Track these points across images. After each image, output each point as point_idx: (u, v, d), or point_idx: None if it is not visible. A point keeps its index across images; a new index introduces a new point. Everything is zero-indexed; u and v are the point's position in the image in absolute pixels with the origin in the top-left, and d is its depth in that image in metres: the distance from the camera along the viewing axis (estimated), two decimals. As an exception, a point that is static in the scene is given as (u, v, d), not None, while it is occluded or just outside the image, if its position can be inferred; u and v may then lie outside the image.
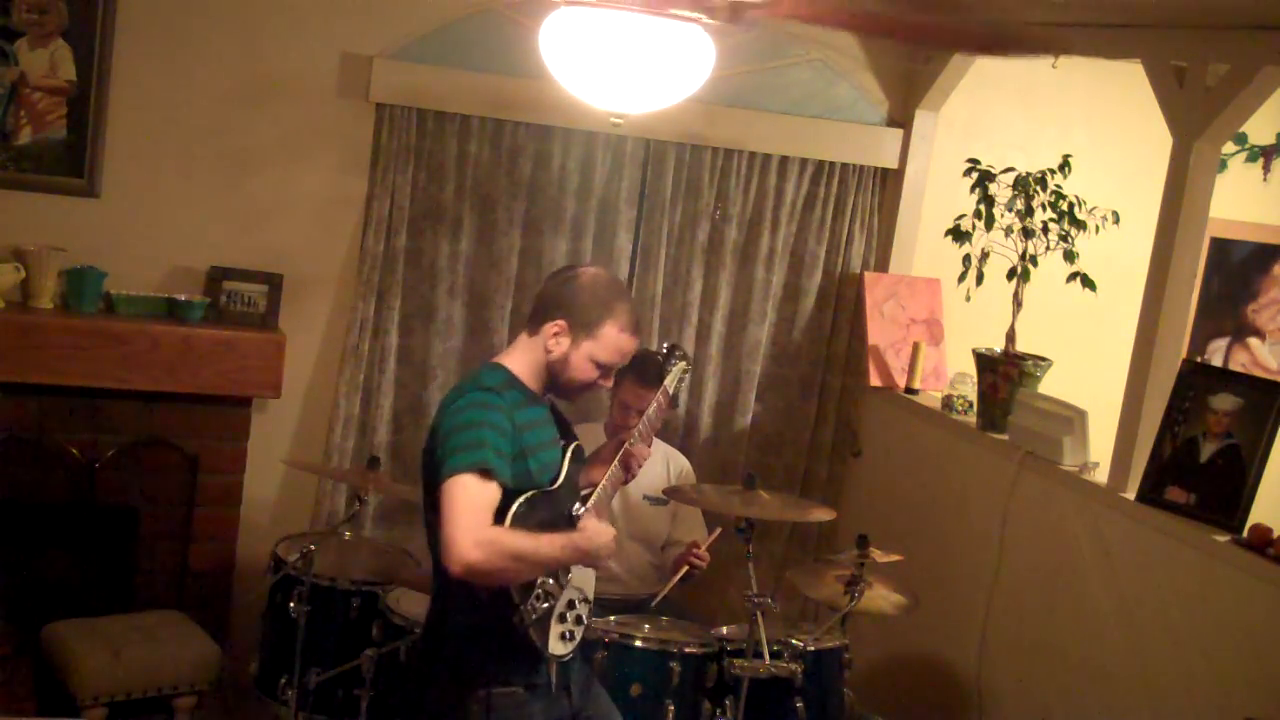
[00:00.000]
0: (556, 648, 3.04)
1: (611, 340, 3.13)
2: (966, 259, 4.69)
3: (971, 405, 4.81)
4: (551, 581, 2.97)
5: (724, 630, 3.95)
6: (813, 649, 3.82)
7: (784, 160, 5.09)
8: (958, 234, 4.71)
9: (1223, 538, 3.70)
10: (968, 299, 4.72)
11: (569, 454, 3.14)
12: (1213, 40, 3.92)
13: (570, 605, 3.06)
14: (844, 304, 5.23)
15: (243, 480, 4.60)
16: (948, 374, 5.10)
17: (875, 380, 5.14)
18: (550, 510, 3.02)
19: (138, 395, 4.41)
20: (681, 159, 5.00)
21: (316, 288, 4.72)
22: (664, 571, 4.69)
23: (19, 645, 4.32)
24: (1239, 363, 5.57)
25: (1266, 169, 5.54)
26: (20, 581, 4.41)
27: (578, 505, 3.12)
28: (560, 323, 3.09)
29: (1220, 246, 5.49)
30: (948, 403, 4.89)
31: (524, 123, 4.79)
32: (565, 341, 3.10)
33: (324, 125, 4.65)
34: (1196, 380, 3.93)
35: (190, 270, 4.58)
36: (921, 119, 5.17)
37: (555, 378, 3.14)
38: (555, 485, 3.07)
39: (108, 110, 4.42)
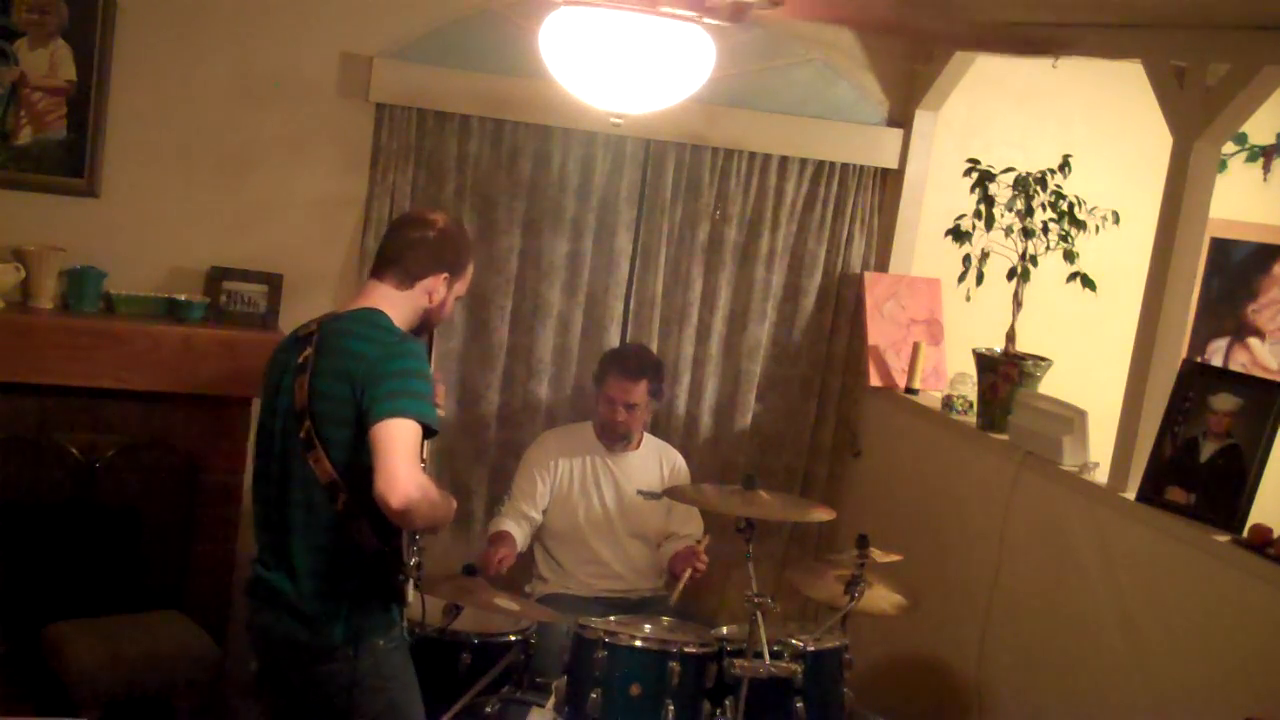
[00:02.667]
0: (410, 597, 3.22)
1: (470, 276, 3.42)
2: (966, 259, 4.69)
3: (971, 405, 4.81)
4: (419, 538, 3.19)
5: (724, 630, 3.95)
6: (813, 649, 3.82)
7: (784, 160, 5.09)
8: (958, 234, 4.71)
9: (1223, 538, 3.70)
10: (968, 299, 4.72)
11: None
12: (1213, 40, 3.92)
13: (419, 552, 3.24)
14: (844, 304, 5.23)
15: (243, 480, 4.59)
16: (948, 374, 5.09)
17: (875, 380, 5.14)
18: None
19: (138, 395, 4.40)
20: (681, 159, 5.00)
21: (316, 288, 4.72)
22: (661, 566, 4.70)
23: (19, 645, 4.32)
24: (1239, 363, 5.57)
25: (1266, 169, 5.54)
26: (20, 581, 4.40)
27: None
28: (445, 276, 3.28)
29: (1220, 246, 5.49)
30: (948, 403, 4.89)
31: (524, 123, 4.79)
32: (444, 290, 3.29)
33: (324, 125, 4.65)
34: (1196, 380, 3.92)
35: (190, 270, 4.58)
36: (921, 119, 5.17)
37: (428, 321, 3.33)
38: None
39: (108, 110, 4.42)
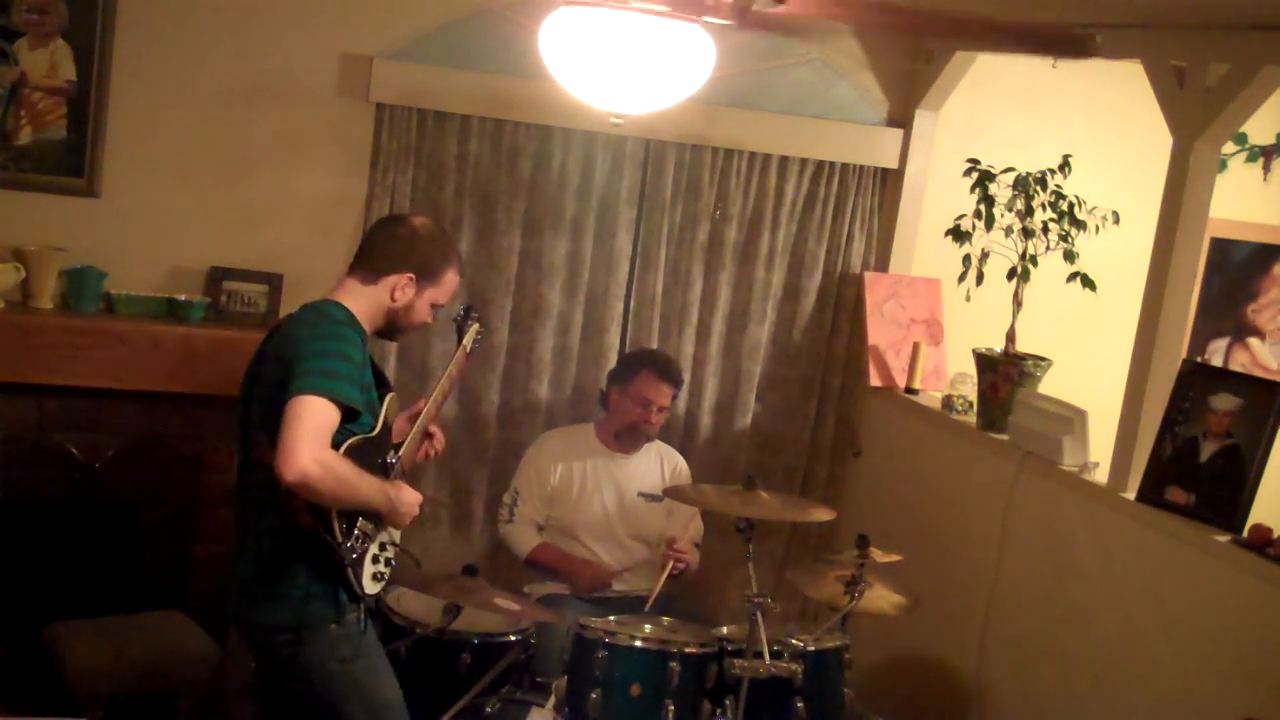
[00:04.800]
0: (370, 587, 3.20)
1: (450, 284, 3.38)
2: (966, 259, 4.69)
3: (971, 405, 4.81)
4: (370, 524, 3.15)
5: (724, 630, 3.95)
6: (813, 649, 3.82)
7: (784, 160, 5.09)
8: (958, 234, 4.71)
9: (1223, 538, 3.70)
10: (968, 299, 4.72)
11: (386, 403, 3.26)
12: (1213, 40, 3.92)
13: (382, 548, 3.23)
14: (844, 304, 5.23)
15: (243, 480, 4.59)
16: (948, 374, 5.10)
17: (875, 380, 5.14)
18: (367, 455, 3.14)
19: (138, 395, 4.40)
20: (681, 159, 5.00)
21: (316, 288, 4.64)
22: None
23: (19, 645, 4.32)
24: (1239, 363, 5.58)
25: (1266, 169, 5.54)
26: (20, 581, 4.41)
27: (391, 454, 3.27)
28: (408, 275, 3.28)
29: (1220, 246, 5.49)
30: (948, 403, 4.89)
31: (524, 123, 4.79)
32: (411, 291, 3.29)
33: (324, 125, 4.65)
34: (1196, 380, 3.93)
35: (190, 270, 4.58)
36: (921, 119, 5.17)
37: (395, 322, 3.33)
38: (375, 431, 3.20)
39: (108, 110, 4.42)
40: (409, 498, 3.23)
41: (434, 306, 3.38)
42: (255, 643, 3.28)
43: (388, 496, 3.17)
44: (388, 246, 3.30)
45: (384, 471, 3.21)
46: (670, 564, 4.47)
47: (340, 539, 3.08)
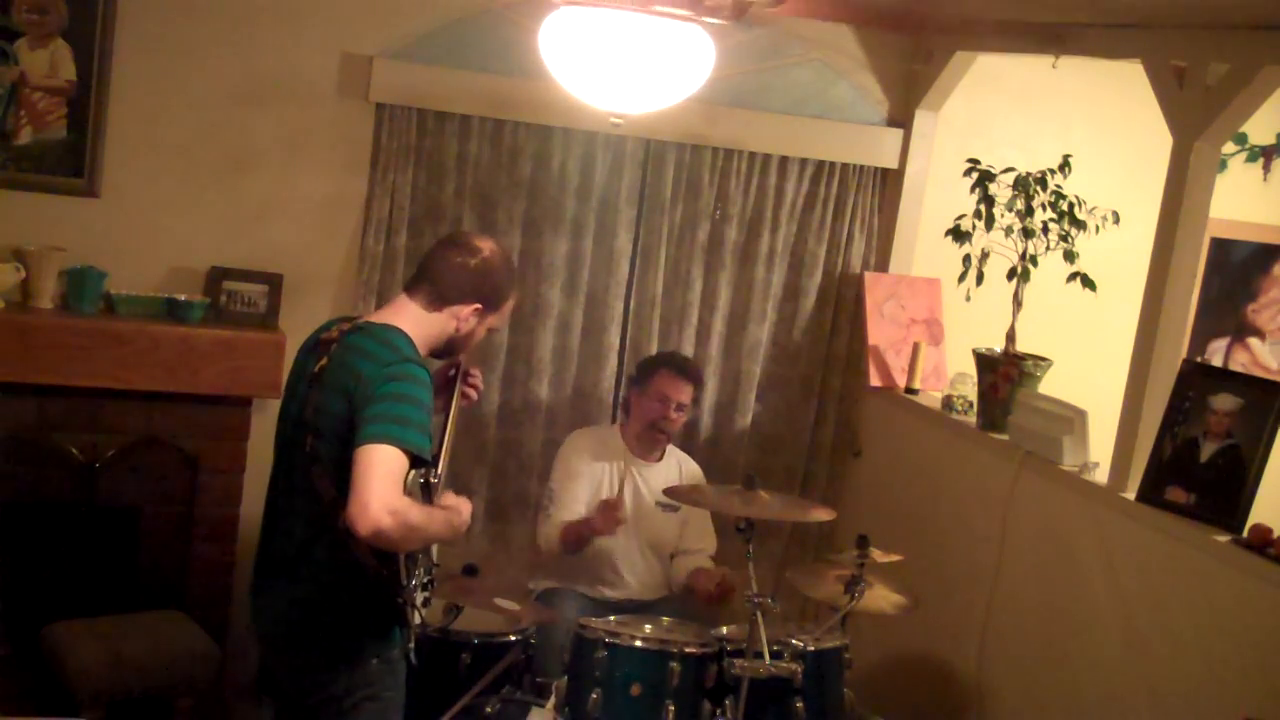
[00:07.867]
0: (418, 617, 3.15)
1: (509, 310, 3.37)
2: (966, 259, 4.69)
3: (971, 405, 4.81)
4: (422, 555, 3.12)
5: (724, 630, 3.95)
6: (813, 649, 3.82)
7: (784, 160, 5.09)
8: (958, 234, 4.71)
9: (1223, 538, 3.70)
10: (968, 299, 4.72)
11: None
12: (1213, 40, 3.92)
13: (427, 570, 3.17)
14: (844, 304, 5.23)
15: (243, 480, 4.59)
16: (948, 374, 5.10)
17: (875, 380, 5.14)
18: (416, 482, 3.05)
19: (138, 395, 4.40)
20: (681, 159, 5.00)
21: (316, 288, 4.72)
22: (667, 579, 4.67)
23: (19, 645, 4.32)
24: (1239, 363, 5.57)
25: (1266, 169, 5.54)
26: (20, 581, 4.41)
27: (432, 472, 3.13)
28: (477, 307, 3.21)
29: (1220, 246, 5.49)
30: (948, 403, 4.89)
31: (524, 123, 4.79)
32: (475, 320, 3.23)
33: (324, 125, 4.65)
34: (1196, 380, 3.93)
35: (190, 270, 4.58)
36: (921, 119, 5.17)
37: (453, 346, 3.27)
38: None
39: (108, 110, 4.42)
40: (465, 512, 3.15)
41: (490, 330, 3.32)
42: (290, 669, 3.20)
43: (451, 526, 3.09)
44: (458, 276, 3.18)
45: (427, 490, 3.09)
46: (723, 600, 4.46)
47: (404, 580, 3.03)
